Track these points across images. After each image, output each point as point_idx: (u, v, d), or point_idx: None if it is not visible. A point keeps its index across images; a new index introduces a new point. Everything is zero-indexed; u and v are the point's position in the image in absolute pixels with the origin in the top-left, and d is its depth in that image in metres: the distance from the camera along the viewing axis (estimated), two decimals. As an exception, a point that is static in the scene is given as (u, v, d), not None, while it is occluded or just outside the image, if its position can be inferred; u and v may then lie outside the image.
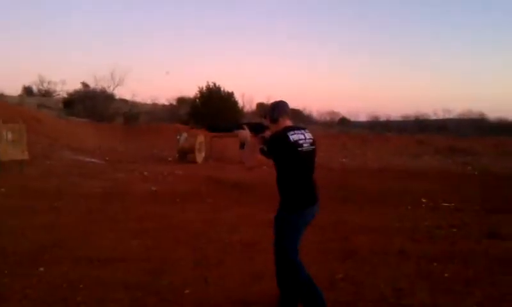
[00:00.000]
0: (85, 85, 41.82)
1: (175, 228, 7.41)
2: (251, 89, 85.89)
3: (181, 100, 40.62)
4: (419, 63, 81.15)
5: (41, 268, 5.16)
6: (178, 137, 19.68)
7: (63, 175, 13.24)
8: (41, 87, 45.72)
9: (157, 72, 72.63)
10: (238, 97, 37.11)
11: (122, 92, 44.03)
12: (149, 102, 41.80)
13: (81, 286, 4.68)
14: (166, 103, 42.64)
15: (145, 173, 14.20)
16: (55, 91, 45.03)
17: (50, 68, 71.42)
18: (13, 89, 57.68)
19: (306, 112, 43.17)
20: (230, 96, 35.35)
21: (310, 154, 3.81)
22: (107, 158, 17.97)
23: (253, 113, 43.15)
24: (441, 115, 43.84)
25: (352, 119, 43.11)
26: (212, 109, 32.37)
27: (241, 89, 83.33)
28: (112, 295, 4.48)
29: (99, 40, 75.66)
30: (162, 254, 5.96)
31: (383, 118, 38.86)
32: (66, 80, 70.45)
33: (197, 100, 35.87)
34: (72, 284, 4.72)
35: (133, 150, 21.41)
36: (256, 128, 4.05)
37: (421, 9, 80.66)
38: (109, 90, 39.56)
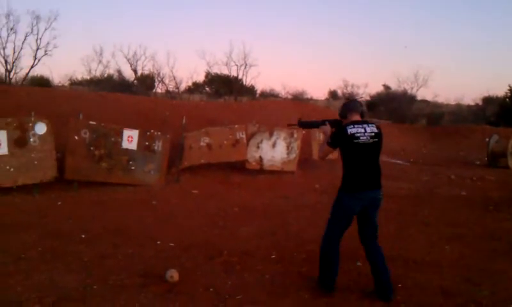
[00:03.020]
0: (386, 87, 42.54)
1: (491, 237, 6.86)
2: None
3: (487, 100, 37.59)
4: None
5: (359, 263, 5.39)
6: (487, 139, 18.24)
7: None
8: (345, 90, 48.34)
9: (461, 72, 68.70)
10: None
11: (423, 93, 43.11)
12: (452, 102, 39.88)
13: (400, 285, 4.71)
14: (471, 103, 40.06)
15: (452, 177, 13.56)
16: (358, 94, 46.97)
17: (353, 72, 74.62)
18: (321, 93, 62.61)
19: None
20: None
21: (369, 146, 4.28)
22: (411, 160, 17.89)
23: None
24: None
25: None
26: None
27: None
28: (430, 300, 4.40)
29: (401, 43, 75.70)
30: (480, 263, 5.59)
31: None
32: (369, 83, 72.82)
33: (507, 100, 32.70)
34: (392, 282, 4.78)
35: (437, 152, 20.77)
36: (335, 124, 4.63)
37: None
38: (411, 91, 39.36)
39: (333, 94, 47.82)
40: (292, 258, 5.55)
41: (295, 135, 12.92)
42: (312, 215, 8.04)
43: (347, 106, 4.53)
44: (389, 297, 4.35)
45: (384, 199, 9.59)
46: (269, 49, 66.65)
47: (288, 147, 12.78)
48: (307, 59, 68.68)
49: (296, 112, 18.14)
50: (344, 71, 78.20)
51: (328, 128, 4.64)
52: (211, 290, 4.54)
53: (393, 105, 33.59)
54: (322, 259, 4.54)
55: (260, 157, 12.39)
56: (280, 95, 38.30)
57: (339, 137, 4.32)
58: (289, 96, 36.50)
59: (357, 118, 4.40)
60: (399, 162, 17.23)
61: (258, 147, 12.35)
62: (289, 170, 12.75)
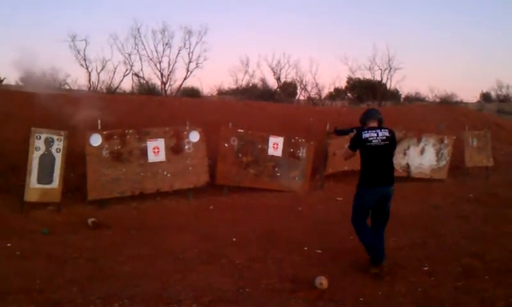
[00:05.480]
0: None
1: None
2: None
3: None
4: None
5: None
6: None
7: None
8: (499, 92, 44.63)
9: None
10: None
11: None
12: None
13: None
14: None
15: None
16: (513, 97, 43.16)
17: (509, 72, 68.35)
18: (471, 95, 58.31)
19: None
20: None
21: (380, 147, 5.06)
22: None
23: None
24: None
25: None
26: None
27: None
28: None
29: None
30: None
31: None
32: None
33: None
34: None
35: None
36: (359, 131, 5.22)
37: None
38: None
39: (485, 97, 44.43)
40: (447, 271, 5.21)
41: (445, 141, 12.26)
42: (466, 226, 7.51)
43: (366, 114, 5.30)
44: (380, 260, 5.10)
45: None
46: (415, 51, 63.87)
47: (437, 153, 12.17)
48: (457, 60, 64.46)
49: (445, 117, 17.21)
50: (498, 72, 72.09)
51: (354, 134, 5.26)
52: (361, 299, 4.45)
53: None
54: (364, 242, 5.22)
55: (407, 164, 11.95)
56: (426, 99, 36.59)
57: (356, 141, 5.15)
58: (437, 100, 34.69)
59: (374, 124, 5.20)
60: None
61: (404, 153, 11.93)
62: (439, 178, 12.11)
